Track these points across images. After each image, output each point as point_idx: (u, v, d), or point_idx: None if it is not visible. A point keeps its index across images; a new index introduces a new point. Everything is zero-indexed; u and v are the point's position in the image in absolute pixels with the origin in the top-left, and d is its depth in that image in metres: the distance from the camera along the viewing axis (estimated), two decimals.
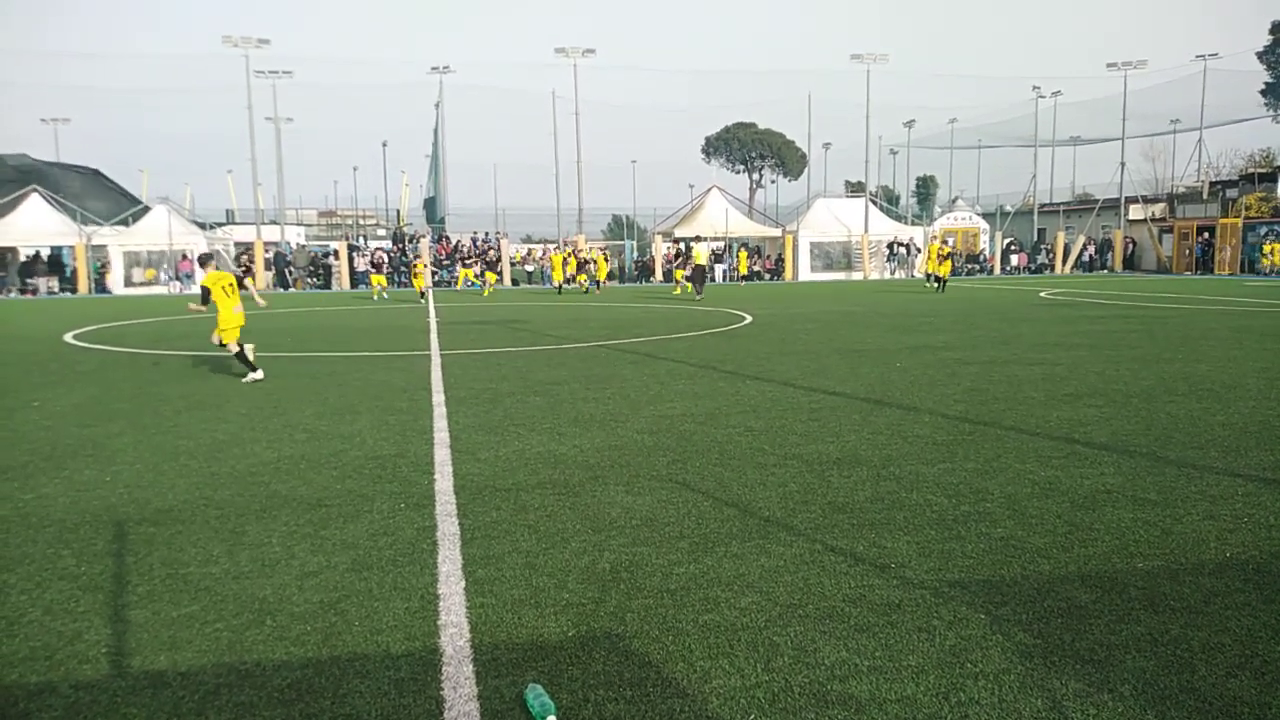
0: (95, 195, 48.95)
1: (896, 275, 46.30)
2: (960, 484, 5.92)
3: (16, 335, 18.63)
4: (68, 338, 17.47)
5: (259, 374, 11.06)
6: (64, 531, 5.15)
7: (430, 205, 51.96)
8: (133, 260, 41.79)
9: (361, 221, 72.45)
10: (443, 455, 6.88)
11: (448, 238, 47.45)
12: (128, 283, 41.00)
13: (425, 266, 32.92)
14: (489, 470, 6.41)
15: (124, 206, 48.25)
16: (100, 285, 40.71)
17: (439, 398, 9.56)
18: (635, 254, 48.86)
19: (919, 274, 45.20)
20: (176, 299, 34.15)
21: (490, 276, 36.25)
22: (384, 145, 67.46)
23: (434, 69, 45.87)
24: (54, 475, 6.44)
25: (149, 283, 41.10)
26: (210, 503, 5.69)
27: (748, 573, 4.37)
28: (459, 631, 3.75)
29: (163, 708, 3.16)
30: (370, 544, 4.86)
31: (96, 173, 53.52)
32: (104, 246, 41.31)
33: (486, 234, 50.36)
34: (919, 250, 46.57)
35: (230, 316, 11.29)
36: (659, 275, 44.76)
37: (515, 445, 7.20)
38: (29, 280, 40.34)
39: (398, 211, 69.09)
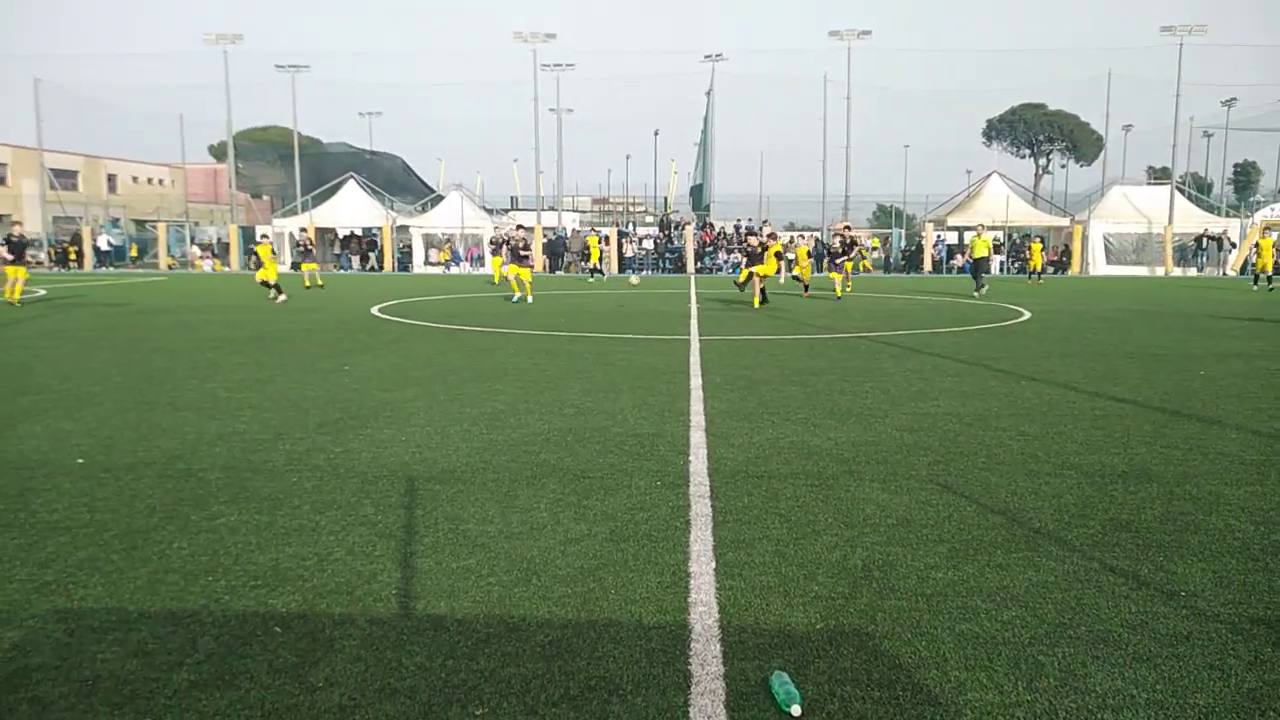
0: (400, 182, 54.30)
1: (1205, 272, 41.43)
2: (1272, 510, 5.22)
3: (334, 307, 21.10)
4: (374, 310, 19.56)
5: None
6: (365, 483, 5.79)
7: (697, 192, 52.93)
8: (430, 241, 45.99)
9: (631, 209, 75.20)
10: (698, 438, 7.02)
11: (711, 224, 48.12)
12: (426, 262, 45.20)
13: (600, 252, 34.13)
14: (742, 456, 6.46)
15: (423, 192, 53.17)
16: (403, 264, 45.17)
17: (696, 381, 9.75)
18: (902, 243, 47.13)
19: (1232, 271, 40.19)
20: (464, 278, 37.09)
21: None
22: (655, 134, 69.48)
23: (707, 57, 46.60)
24: (359, 432, 7.25)
25: (443, 263, 45.02)
26: (488, 467, 6.17)
27: (1012, 585, 4.11)
28: (708, 610, 3.82)
29: (441, 649, 3.48)
30: (628, 517, 5.07)
31: (402, 161, 59.31)
32: (406, 229, 45.77)
33: (750, 220, 50.58)
34: (1233, 245, 41.39)
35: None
36: (928, 265, 42.92)
37: (769, 433, 7.21)
38: (344, 257, 45.51)
39: (665, 199, 71.00)
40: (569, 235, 47.23)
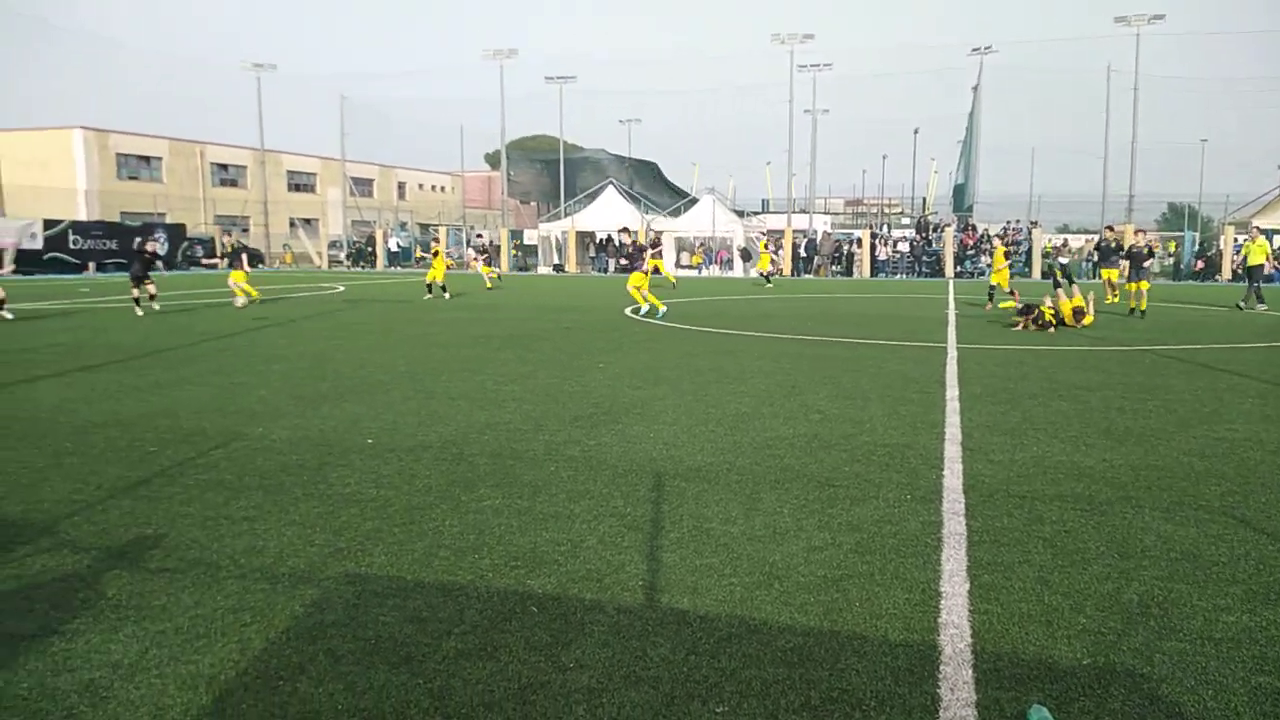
0: (654, 187, 55.96)
1: None
2: None
3: (590, 307, 22.11)
4: (626, 311, 20.28)
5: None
6: (616, 476, 6.02)
7: (959, 192, 50.50)
8: (681, 245, 47.03)
9: (886, 210, 72.94)
10: (953, 452, 6.70)
11: (973, 226, 45.70)
12: (677, 265, 46.25)
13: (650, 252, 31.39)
14: (1002, 474, 6.09)
15: (674, 197, 54.46)
16: (655, 267, 46.50)
17: (952, 392, 9.30)
18: (1195, 247, 42.45)
19: None
20: (714, 281, 37.55)
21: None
22: (915, 132, 66.98)
23: (974, 50, 44.35)
24: (611, 427, 7.54)
25: (695, 266, 45.87)
26: (732, 468, 6.22)
27: None
28: (959, 633, 3.64)
29: (683, 644, 3.55)
30: (874, 529, 4.93)
31: (656, 167, 61.05)
32: (660, 232, 47.06)
33: (1018, 222, 47.50)
34: None
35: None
36: (1226, 272, 38.38)
37: (1033, 451, 6.74)
38: (600, 259, 47.52)
39: (924, 200, 68.24)
40: (820, 238, 46.59)
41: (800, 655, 3.45)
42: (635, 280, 19.05)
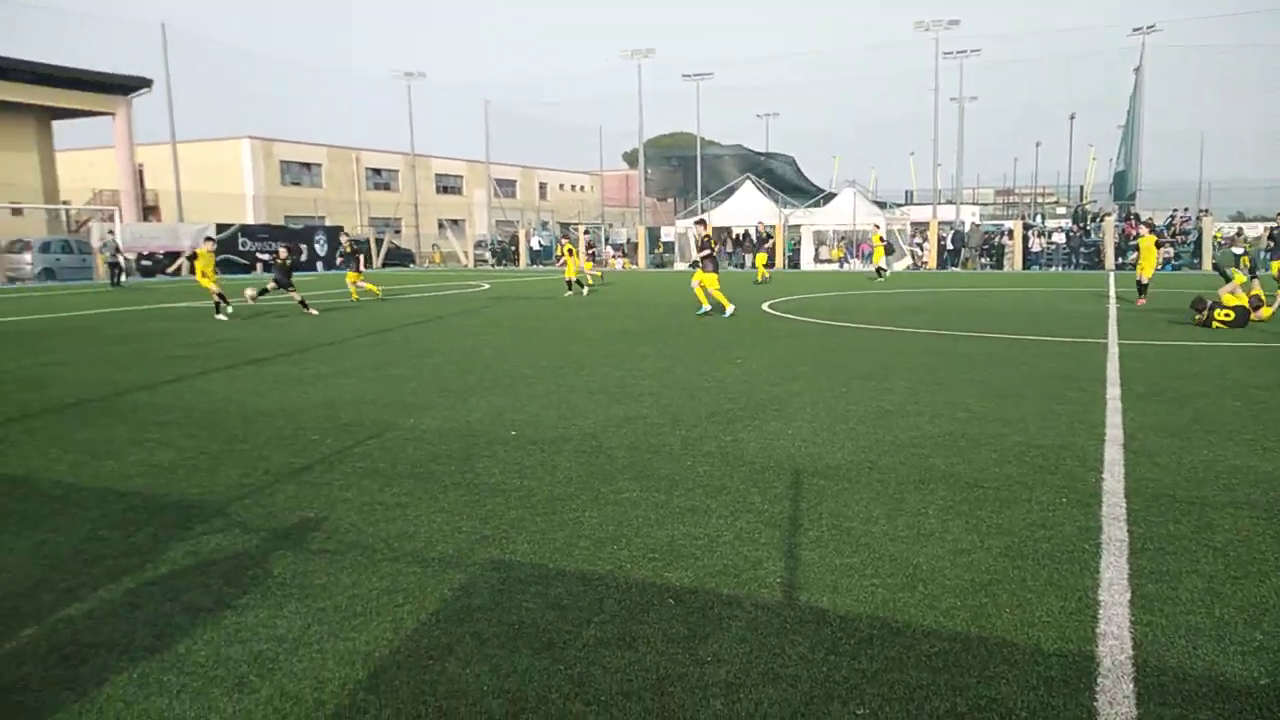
0: (792, 181, 55.25)
1: None
2: None
3: (739, 301, 22.00)
4: (764, 306, 20.10)
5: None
6: (753, 472, 5.98)
7: (1119, 180, 47.67)
8: (819, 239, 46.26)
9: (1040, 200, 69.59)
10: (1113, 454, 6.32)
11: (1136, 215, 43.00)
12: (815, 259, 45.56)
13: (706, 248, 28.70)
14: (1169, 478, 5.71)
15: (811, 190, 53.60)
16: (793, 262, 45.92)
17: (1114, 391, 8.78)
18: None
19: None
20: (853, 275, 36.80)
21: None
22: (1071, 118, 63.64)
23: (1136, 30, 41.74)
24: (748, 423, 7.49)
25: (836, 260, 45.04)
26: (874, 467, 6.08)
27: None
28: (1119, 645, 3.44)
29: (823, 643, 3.49)
30: (1026, 533, 4.71)
31: (793, 160, 60.25)
32: (798, 227, 46.46)
33: (1185, 210, 44.39)
34: None
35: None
36: None
37: (1204, 454, 6.28)
38: (736, 255, 47.27)
39: (1081, 188, 64.73)
40: (968, 229, 44.87)
41: (946, 661, 3.34)
42: (704, 279, 17.50)
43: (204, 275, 18.49)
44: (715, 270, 17.71)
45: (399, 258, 53.03)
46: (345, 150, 64.63)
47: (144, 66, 45.63)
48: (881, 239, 34.74)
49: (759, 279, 31.55)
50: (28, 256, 35.47)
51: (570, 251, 25.61)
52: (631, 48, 52.72)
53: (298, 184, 61.49)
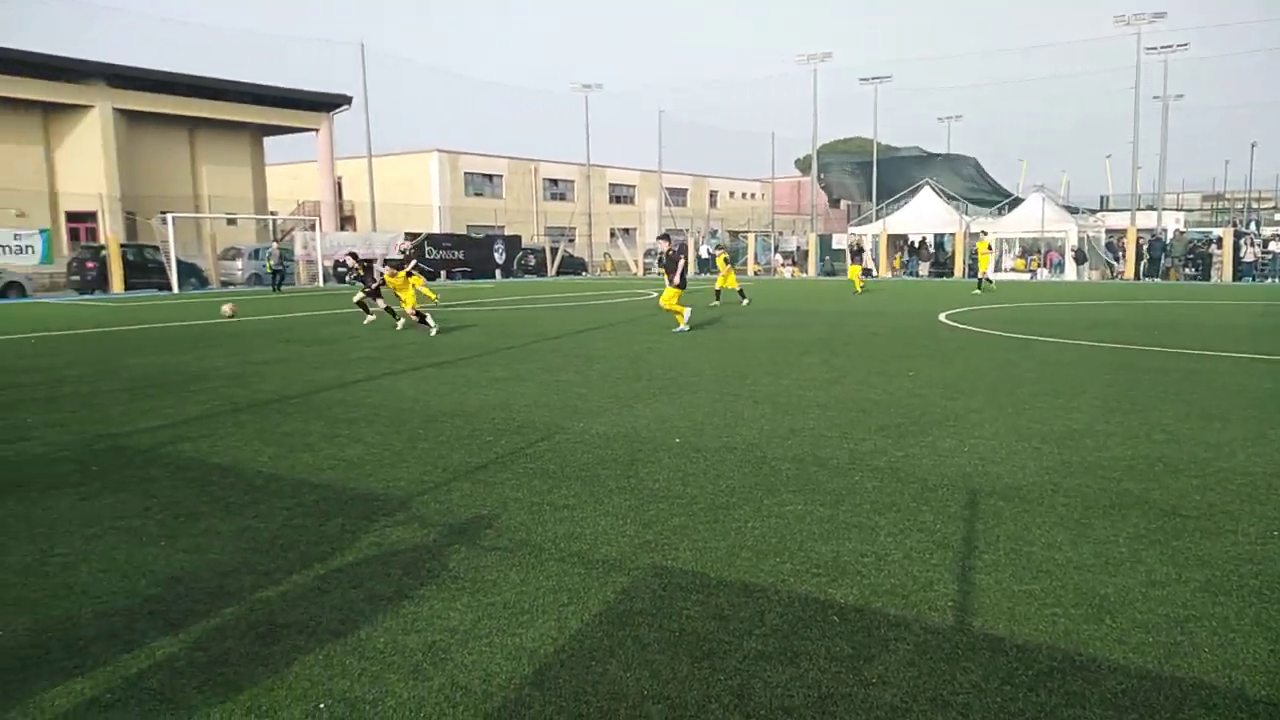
0: (975, 184, 52.97)
1: None
2: None
3: (902, 312, 21.37)
4: (941, 317, 19.36)
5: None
6: (925, 490, 5.76)
7: None
8: (1005, 247, 44.11)
9: (1255, 205, 63.74)
10: None
11: None
12: (998, 268, 43.47)
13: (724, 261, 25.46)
14: None
15: (996, 195, 51.16)
16: (972, 270, 44.01)
17: None
18: None
19: None
20: (1033, 285, 34.89)
21: None
22: None
23: None
24: (920, 439, 7.23)
25: (1018, 270, 42.86)
26: (1058, 489, 5.73)
27: None
28: None
29: (998, 672, 3.32)
30: (1230, 567, 4.31)
31: (975, 162, 57.78)
32: (980, 234, 44.49)
33: None
34: None
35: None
36: None
37: None
38: (912, 263, 45.77)
39: None
40: (1171, 237, 41.65)
41: (1134, 700, 3.10)
42: (667, 293, 16.71)
43: (400, 289, 17.04)
44: (682, 287, 16.72)
45: (572, 266, 54.53)
46: (525, 161, 67.22)
47: (342, 84, 49.06)
48: (989, 248, 31.98)
49: (857, 290, 30.24)
50: (239, 263, 38.64)
51: (727, 261, 25.46)
52: (808, 52, 52.11)
53: (480, 194, 64.45)
